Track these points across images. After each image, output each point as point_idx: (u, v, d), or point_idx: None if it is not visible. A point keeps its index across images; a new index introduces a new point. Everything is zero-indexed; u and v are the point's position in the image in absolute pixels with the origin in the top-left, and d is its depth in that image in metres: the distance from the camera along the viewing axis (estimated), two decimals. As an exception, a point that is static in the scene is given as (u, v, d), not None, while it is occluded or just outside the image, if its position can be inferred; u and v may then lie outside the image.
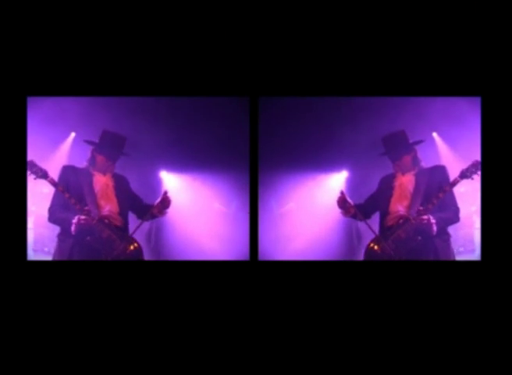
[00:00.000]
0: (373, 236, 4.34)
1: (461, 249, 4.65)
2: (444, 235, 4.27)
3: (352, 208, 4.38)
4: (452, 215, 4.29)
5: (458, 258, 4.40)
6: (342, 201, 4.39)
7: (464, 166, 4.24)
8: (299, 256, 4.72)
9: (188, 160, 5.02)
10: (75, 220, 4.19)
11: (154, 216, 4.46)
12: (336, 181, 4.99)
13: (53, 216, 4.29)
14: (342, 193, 4.40)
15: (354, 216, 4.43)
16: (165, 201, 4.42)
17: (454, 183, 4.20)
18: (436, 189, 4.27)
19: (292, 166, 4.93)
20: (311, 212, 5.05)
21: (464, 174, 4.15)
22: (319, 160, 4.95)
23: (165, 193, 4.43)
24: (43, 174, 4.14)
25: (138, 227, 4.36)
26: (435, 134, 4.78)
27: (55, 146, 4.71)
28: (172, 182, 5.09)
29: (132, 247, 4.33)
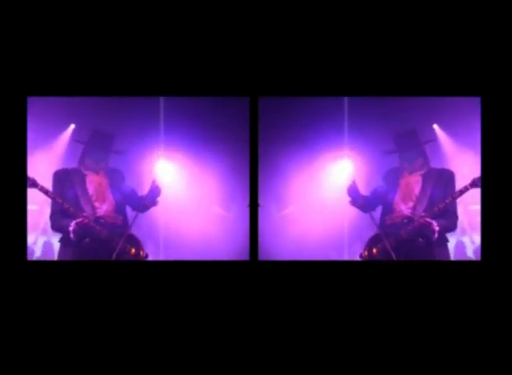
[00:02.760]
0: (371, 231, 4.34)
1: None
2: (443, 242, 4.29)
3: (361, 198, 4.38)
4: (451, 223, 4.30)
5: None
6: (352, 190, 4.39)
7: (465, 156, 4.26)
8: (305, 256, 4.74)
9: (188, 160, 5.02)
10: (71, 227, 4.18)
11: (146, 207, 4.45)
12: (338, 181, 4.99)
13: (55, 224, 4.31)
14: (353, 182, 4.40)
15: (361, 207, 4.43)
16: (155, 190, 4.40)
17: (463, 190, 4.18)
18: (442, 193, 4.27)
19: (292, 166, 4.93)
20: (313, 212, 5.05)
21: (476, 183, 4.11)
22: (319, 160, 4.94)
23: (154, 182, 4.42)
24: (32, 183, 4.12)
25: (134, 220, 4.35)
26: (435, 126, 4.78)
27: (51, 141, 4.73)
28: (170, 181, 5.09)
29: (133, 250, 4.33)
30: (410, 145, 4.40)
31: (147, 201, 4.42)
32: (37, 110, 4.35)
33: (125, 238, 4.27)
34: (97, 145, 4.41)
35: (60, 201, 4.20)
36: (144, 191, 4.52)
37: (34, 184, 4.13)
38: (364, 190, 4.49)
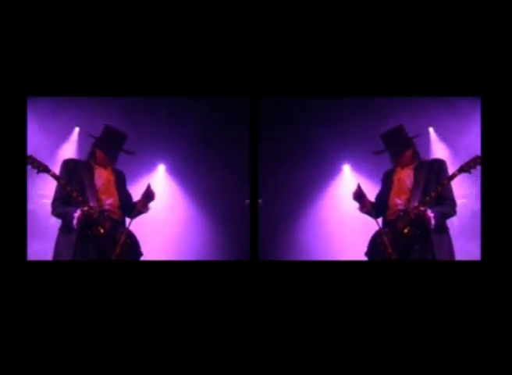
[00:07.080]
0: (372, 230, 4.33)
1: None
2: (442, 229, 4.24)
3: (368, 203, 4.34)
4: (448, 208, 4.25)
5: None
6: (358, 195, 4.34)
7: (458, 161, 4.27)
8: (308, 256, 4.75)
9: (188, 160, 5.03)
10: (77, 214, 4.15)
11: (139, 212, 4.39)
12: (338, 180, 5.00)
13: (56, 210, 4.27)
14: (358, 186, 4.34)
15: (369, 213, 4.37)
16: (149, 195, 4.36)
17: (452, 177, 4.18)
18: (434, 182, 4.24)
19: (292, 166, 4.94)
20: (315, 213, 5.07)
21: (463, 169, 4.13)
22: (320, 160, 4.96)
23: (149, 186, 4.37)
24: (44, 168, 4.13)
25: (130, 223, 4.33)
26: (431, 129, 4.79)
27: (59, 142, 4.75)
28: (171, 181, 5.10)
29: (129, 240, 4.30)
30: (398, 140, 4.33)
31: (140, 206, 4.37)
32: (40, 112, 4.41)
33: (125, 234, 4.26)
34: (109, 141, 4.36)
35: (69, 188, 4.17)
36: (138, 194, 4.45)
37: (46, 170, 4.14)
38: (370, 195, 4.42)
